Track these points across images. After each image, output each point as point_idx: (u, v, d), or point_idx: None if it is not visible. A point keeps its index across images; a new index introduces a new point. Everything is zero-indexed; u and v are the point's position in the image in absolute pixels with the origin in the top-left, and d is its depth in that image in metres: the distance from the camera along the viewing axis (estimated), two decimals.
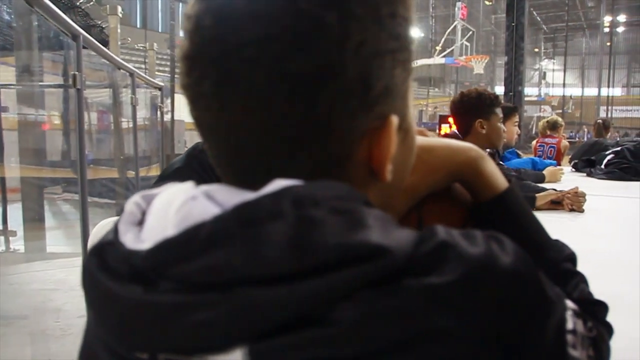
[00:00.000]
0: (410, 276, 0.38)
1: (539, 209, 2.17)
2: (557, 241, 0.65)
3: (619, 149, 3.75)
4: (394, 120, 0.46)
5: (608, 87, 26.59)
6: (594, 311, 0.58)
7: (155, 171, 5.72)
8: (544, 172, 3.32)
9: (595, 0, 31.58)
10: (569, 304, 0.50)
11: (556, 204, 2.18)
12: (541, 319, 0.43)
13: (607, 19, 29.66)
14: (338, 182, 0.42)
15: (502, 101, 2.49)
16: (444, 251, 0.39)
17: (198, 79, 0.44)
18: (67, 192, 5.42)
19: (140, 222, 0.44)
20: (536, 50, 40.66)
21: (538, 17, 35.48)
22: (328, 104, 0.42)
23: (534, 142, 5.77)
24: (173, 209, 0.42)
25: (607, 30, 30.10)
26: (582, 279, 0.63)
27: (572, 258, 0.64)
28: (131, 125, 4.87)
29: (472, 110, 2.38)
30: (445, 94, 33.66)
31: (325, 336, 0.36)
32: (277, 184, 0.41)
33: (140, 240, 0.42)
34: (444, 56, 21.40)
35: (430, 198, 0.63)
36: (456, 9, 21.11)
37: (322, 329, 0.36)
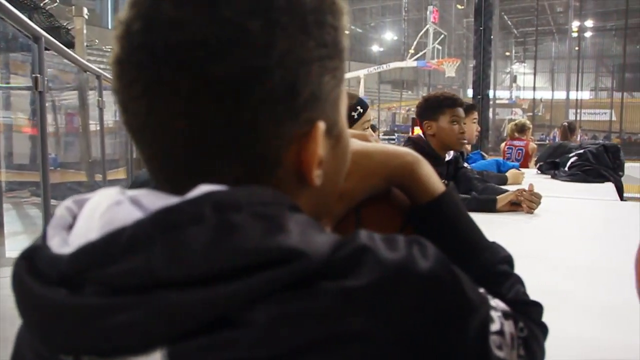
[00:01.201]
0: (326, 279, 0.39)
1: (500, 210, 2.21)
2: (493, 243, 0.66)
3: (581, 151, 3.83)
4: (321, 126, 0.47)
5: (577, 90, 27.09)
6: (528, 312, 0.60)
7: (122, 174, 5.66)
8: (507, 174, 3.38)
9: (563, 5, 32.17)
10: (499, 305, 0.52)
11: (516, 205, 2.22)
12: (461, 321, 0.44)
13: (575, 24, 30.24)
14: (264, 187, 0.43)
15: (462, 100, 2.52)
16: (362, 255, 0.40)
17: (127, 83, 0.44)
18: (36, 195, 5.32)
19: (71, 226, 0.45)
20: (507, 54, 41.24)
21: (509, 22, 36.01)
22: (254, 110, 0.43)
23: (502, 145, 5.85)
24: (98, 214, 0.42)
25: (575, 35, 30.68)
26: (517, 280, 0.64)
27: (508, 260, 0.65)
28: (99, 128, 4.81)
29: (421, 113, 2.53)
30: (418, 97, 33.94)
31: (240, 338, 0.37)
32: (201, 189, 0.41)
33: (67, 244, 0.42)
34: (416, 59, 21.58)
35: (368, 202, 0.64)
36: (428, 12, 21.32)
37: (237, 330, 0.37)
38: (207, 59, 0.41)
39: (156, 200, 0.43)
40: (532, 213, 2.19)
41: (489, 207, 2.22)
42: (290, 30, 0.44)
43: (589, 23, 33.49)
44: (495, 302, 0.51)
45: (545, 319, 0.62)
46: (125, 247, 0.39)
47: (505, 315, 0.51)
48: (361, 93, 19.63)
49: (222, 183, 0.42)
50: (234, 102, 0.42)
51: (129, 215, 0.41)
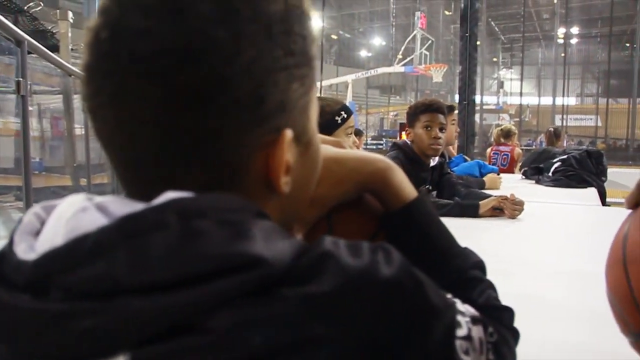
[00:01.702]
0: (288, 285, 0.39)
1: (482, 215, 2.22)
2: (465, 249, 0.67)
3: (565, 157, 3.87)
4: (288, 133, 0.47)
5: (563, 96, 27.30)
6: (499, 316, 0.60)
7: (108, 178, 5.63)
8: (485, 178, 3.41)
9: (549, 12, 32.47)
10: (468, 310, 0.52)
11: (498, 211, 2.23)
12: (424, 326, 0.45)
13: (561, 30, 30.51)
14: (230, 194, 0.43)
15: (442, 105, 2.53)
16: (324, 262, 0.41)
17: (95, 91, 0.45)
18: (20, 200, 5.27)
19: (38, 232, 0.45)
20: (495, 60, 41.49)
21: (496, 28, 36.26)
22: (220, 117, 0.43)
23: (488, 150, 5.89)
24: (64, 220, 0.43)
25: (561, 42, 30.96)
26: (489, 286, 0.65)
27: (480, 266, 0.66)
28: (84, 132, 4.78)
29: (406, 120, 2.57)
30: (407, 102, 34.05)
31: (201, 344, 0.37)
32: (167, 196, 0.42)
33: (33, 250, 0.43)
34: (403, 65, 21.68)
35: (341, 208, 0.64)
36: (416, 18, 21.45)
37: (198, 336, 0.37)
38: (173, 68, 0.42)
39: (122, 207, 0.43)
40: (514, 218, 2.21)
41: (472, 212, 2.23)
42: (257, 39, 0.44)
43: (575, 30, 33.80)
44: (464, 307, 0.52)
45: (528, 324, 0.63)
46: (88, 253, 0.39)
47: (474, 320, 0.52)
48: (349, 98, 19.69)
49: (189, 190, 0.42)
50: (200, 110, 0.43)
51: (94, 221, 0.41)
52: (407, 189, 0.65)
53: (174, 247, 0.38)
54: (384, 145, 19.85)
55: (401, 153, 2.40)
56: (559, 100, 28.25)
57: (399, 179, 0.65)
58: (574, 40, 35.09)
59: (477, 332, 0.52)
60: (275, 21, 0.46)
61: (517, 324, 0.60)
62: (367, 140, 20.70)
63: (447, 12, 32.69)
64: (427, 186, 2.45)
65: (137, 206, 0.41)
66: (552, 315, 1.15)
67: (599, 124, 28.81)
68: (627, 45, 33.84)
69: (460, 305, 0.51)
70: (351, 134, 2.00)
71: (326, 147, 0.62)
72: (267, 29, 0.45)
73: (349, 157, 0.64)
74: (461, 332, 0.49)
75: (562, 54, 30.39)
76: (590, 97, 36.45)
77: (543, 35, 36.78)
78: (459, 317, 0.50)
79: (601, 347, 0.96)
